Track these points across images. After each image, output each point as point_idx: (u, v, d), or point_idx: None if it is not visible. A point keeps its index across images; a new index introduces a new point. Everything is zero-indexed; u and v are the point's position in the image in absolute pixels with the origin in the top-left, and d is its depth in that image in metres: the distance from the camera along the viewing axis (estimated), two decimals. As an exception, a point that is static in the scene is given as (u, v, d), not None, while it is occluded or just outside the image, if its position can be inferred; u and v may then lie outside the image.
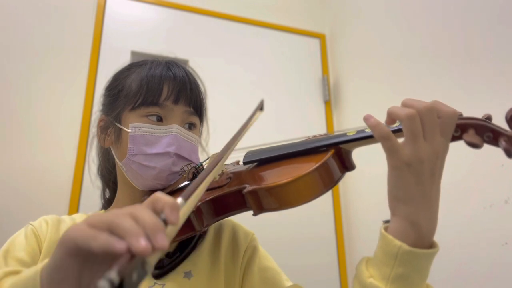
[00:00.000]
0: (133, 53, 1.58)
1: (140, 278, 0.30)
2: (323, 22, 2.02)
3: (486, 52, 1.10)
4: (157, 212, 0.36)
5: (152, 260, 0.33)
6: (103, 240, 0.32)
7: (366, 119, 0.47)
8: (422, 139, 0.44)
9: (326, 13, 2.03)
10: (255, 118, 0.60)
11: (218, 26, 1.79)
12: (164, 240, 0.32)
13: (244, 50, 1.80)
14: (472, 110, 1.07)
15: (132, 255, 0.31)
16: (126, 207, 0.36)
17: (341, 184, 1.76)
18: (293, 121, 1.77)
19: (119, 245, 0.31)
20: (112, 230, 0.33)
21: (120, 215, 0.34)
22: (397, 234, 0.46)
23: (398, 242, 0.45)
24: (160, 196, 0.37)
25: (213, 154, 0.65)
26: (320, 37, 1.98)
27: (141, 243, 0.31)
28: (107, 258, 0.35)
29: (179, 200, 0.39)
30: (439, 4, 1.29)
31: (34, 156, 1.36)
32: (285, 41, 1.90)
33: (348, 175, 1.87)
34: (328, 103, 1.86)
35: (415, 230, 0.45)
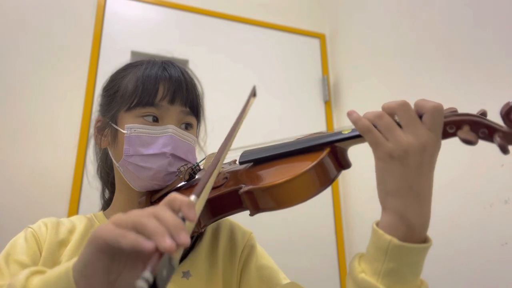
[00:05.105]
0: (133, 53, 1.58)
1: (169, 274, 0.33)
2: (323, 22, 2.02)
3: (486, 52, 1.10)
4: (175, 211, 0.39)
5: (177, 256, 0.37)
6: (131, 239, 0.35)
7: (349, 114, 0.48)
8: (399, 131, 0.46)
9: (326, 13, 2.03)
10: (249, 105, 0.60)
11: (218, 26, 1.79)
12: (187, 238, 0.35)
13: (244, 50, 1.80)
14: (472, 108, 1.07)
15: (160, 253, 0.34)
16: (146, 208, 0.39)
17: (341, 184, 1.76)
18: (293, 121, 1.77)
19: (147, 245, 0.35)
20: (139, 230, 0.36)
21: (145, 215, 0.37)
22: (387, 228, 0.47)
23: (388, 237, 0.45)
24: (176, 196, 0.40)
25: (210, 154, 0.65)
26: (320, 37, 1.98)
27: (167, 242, 0.34)
28: (133, 255, 0.39)
29: (192, 197, 0.41)
30: (439, 4, 1.29)
31: (34, 156, 1.36)
32: (285, 41, 1.89)
33: (349, 175, 1.86)
34: (328, 103, 1.86)
35: (405, 224, 0.46)
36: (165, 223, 0.36)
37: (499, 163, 1.01)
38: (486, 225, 1.04)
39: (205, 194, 0.46)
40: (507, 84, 1.02)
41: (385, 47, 1.55)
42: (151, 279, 0.31)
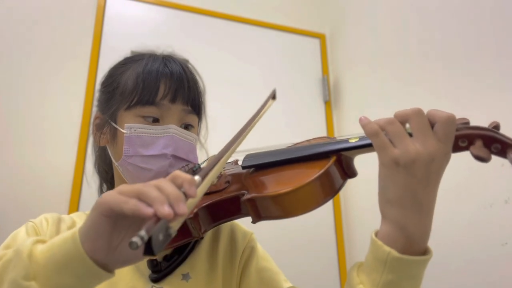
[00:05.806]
0: (133, 53, 1.58)
1: (165, 240, 0.35)
2: (323, 22, 2.02)
3: (487, 53, 1.09)
4: (177, 186, 0.41)
5: (175, 226, 0.38)
6: (133, 204, 0.38)
7: (360, 120, 0.47)
8: (408, 139, 0.44)
9: (326, 13, 2.02)
10: (267, 106, 0.59)
11: (218, 26, 1.78)
12: (185, 208, 0.38)
13: (244, 50, 1.80)
14: (473, 109, 1.07)
15: (157, 219, 0.36)
16: (150, 181, 0.41)
17: (341, 184, 1.76)
18: (293, 121, 1.76)
19: (147, 210, 0.37)
20: (140, 198, 0.39)
21: (147, 185, 0.40)
22: (386, 239, 0.46)
23: (387, 248, 0.45)
24: (179, 173, 0.42)
25: (211, 156, 0.64)
26: (320, 37, 1.97)
27: (166, 209, 0.36)
28: (134, 221, 0.41)
29: (197, 177, 0.43)
30: (439, 4, 1.28)
31: (34, 156, 1.36)
32: (285, 41, 1.89)
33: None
34: (328, 103, 1.86)
35: (404, 236, 0.45)
36: (166, 194, 0.38)
37: (499, 163, 1.01)
38: (486, 225, 1.04)
39: (212, 177, 0.47)
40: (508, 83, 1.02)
41: (385, 47, 1.55)
42: (146, 237, 0.33)
